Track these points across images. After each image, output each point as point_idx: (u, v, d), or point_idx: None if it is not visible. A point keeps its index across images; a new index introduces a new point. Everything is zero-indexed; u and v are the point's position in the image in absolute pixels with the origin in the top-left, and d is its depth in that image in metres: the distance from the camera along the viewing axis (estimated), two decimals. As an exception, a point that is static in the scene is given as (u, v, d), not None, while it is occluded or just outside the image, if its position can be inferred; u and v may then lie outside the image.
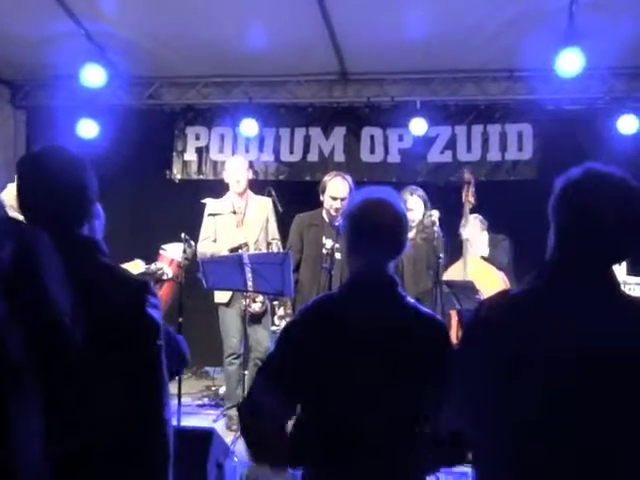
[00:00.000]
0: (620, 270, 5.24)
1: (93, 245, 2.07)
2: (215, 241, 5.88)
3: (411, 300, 2.26)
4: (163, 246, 6.02)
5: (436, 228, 5.35)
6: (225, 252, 5.65)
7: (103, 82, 6.57)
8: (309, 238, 5.55)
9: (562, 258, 1.82)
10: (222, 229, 5.89)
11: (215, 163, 7.61)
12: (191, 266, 5.66)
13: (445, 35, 6.14)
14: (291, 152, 7.51)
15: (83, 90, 6.76)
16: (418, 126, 6.90)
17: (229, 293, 5.74)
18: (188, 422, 5.40)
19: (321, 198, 5.50)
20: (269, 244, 5.91)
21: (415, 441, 2.14)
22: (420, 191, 5.64)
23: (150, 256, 5.96)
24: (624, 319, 1.74)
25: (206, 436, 3.83)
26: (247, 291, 5.24)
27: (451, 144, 7.23)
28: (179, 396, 5.28)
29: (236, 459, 4.21)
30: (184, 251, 5.51)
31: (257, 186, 6.36)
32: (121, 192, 7.24)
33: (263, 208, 5.98)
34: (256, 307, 5.74)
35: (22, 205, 2.05)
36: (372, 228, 2.20)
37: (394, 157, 7.36)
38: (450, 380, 2.03)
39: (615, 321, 1.73)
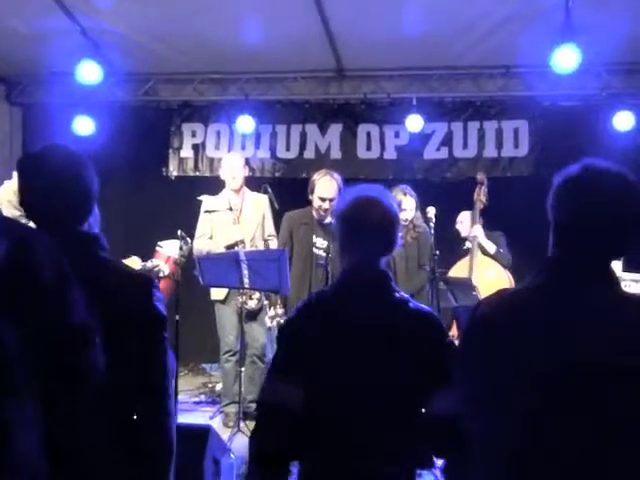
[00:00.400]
0: (616, 267, 5.24)
1: (96, 241, 2.11)
2: (211, 238, 5.88)
3: (405, 295, 2.28)
4: (159, 243, 6.01)
5: (431, 224, 5.36)
6: (221, 249, 5.64)
7: (99, 79, 6.54)
8: (299, 236, 5.55)
9: (561, 255, 1.82)
10: (218, 226, 5.89)
11: (211, 160, 7.59)
12: (187, 263, 5.65)
13: (441, 31, 6.13)
14: (287, 149, 7.51)
15: (79, 87, 6.73)
16: (414, 123, 6.90)
17: (225, 290, 5.74)
18: (185, 419, 5.40)
19: (310, 197, 5.49)
20: (265, 241, 5.92)
21: (412, 435, 2.15)
22: (411, 190, 5.67)
23: (146, 253, 5.95)
24: (624, 317, 1.73)
25: (203, 433, 3.83)
26: (243, 288, 5.24)
27: (447, 141, 7.23)
28: (176, 393, 5.27)
29: (233, 456, 4.21)
30: (180, 248, 5.51)
31: (253, 183, 6.35)
32: (117, 189, 7.23)
33: (259, 205, 5.98)
34: (252, 304, 5.74)
35: (23, 202, 2.08)
36: (364, 226, 2.22)
37: (390, 154, 7.36)
38: (450, 380, 2.06)
39: (615, 319, 1.72)
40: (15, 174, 5.62)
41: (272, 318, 5.48)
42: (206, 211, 5.95)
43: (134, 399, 2.06)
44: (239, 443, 4.81)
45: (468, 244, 6.40)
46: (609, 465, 1.67)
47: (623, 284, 5.61)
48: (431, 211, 5.48)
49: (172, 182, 7.65)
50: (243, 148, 7.49)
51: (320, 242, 5.42)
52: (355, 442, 2.13)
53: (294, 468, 2.28)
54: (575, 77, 6.29)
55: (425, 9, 5.99)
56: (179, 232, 5.55)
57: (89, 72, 6.47)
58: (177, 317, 5.22)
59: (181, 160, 7.68)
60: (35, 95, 7.58)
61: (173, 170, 7.66)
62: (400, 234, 5.71)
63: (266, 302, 5.68)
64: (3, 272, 1.56)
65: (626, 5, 5.63)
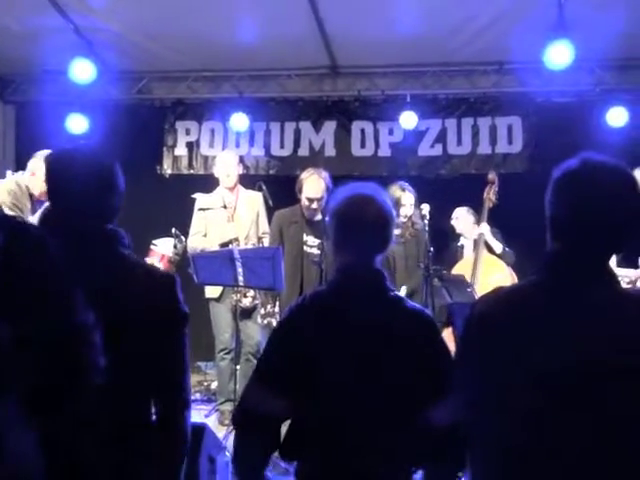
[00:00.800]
0: (611, 263, 5.24)
1: (120, 239, 2.18)
2: (205, 236, 5.87)
3: (398, 294, 2.28)
4: (154, 241, 6.00)
5: (426, 221, 5.37)
6: (216, 247, 5.64)
7: (92, 77, 6.54)
8: (289, 235, 5.52)
9: (559, 250, 1.80)
10: (212, 224, 5.88)
11: (205, 158, 7.59)
12: (182, 261, 5.65)
13: (435, 28, 6.14)
14: (281, 146, 7.51)
15: (72, 85, 6.72)
16: (408, 120, 6.91)
17: (220, 288, 5.73)
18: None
19: (298, 196, 5.48)
20: (260, 239, 5.91)
21: (408, 434, 2.15)
22: (410, 187, 5.66)
23: (141, 251, 5.93)
24: (624, 314, 1.72)
25: (198, 431, 3.82)
26: (238, 286, 5.23)
27: (441, 137, 7.24)
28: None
29: (228, 454, 4.21)
30: (175, 246, 5.50)
31: (247, 181, 6.34)
32: (111, 187, 7.21)
33: (254, 203, 5.97)
34: (247, 302, 5.74)
35: (51, 198, 2.14)
36: (358, 224, 2.21)
37: (385, 151, 7.36)
38: (446, 376, 2.07)
39: (615, 316, 1.71)
40: (9, 173, 5.59)
41: (264, 317, 5.48)
42: (200, 209, 5.94)
43: (156, 395, 2.13)
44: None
45: (463, 241, 6.40)
46: (610, 463, 1.66)
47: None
48: (425, 208, 5.48)
49: (166, 180, 7.64)
50: (237, 146, 7.48)
51: (311, 240, 5.41)
52: (351, 442, 2.13)
53: (290, 468, 2.29)
54: (568, 73, 6.31)
55: (419, 6, 5.99)
56: (173, 230, 5.54)
57: (82, 70, 6.46)
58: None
59: (175, 158, 7.67)
60: (28, 93, 7.56)
61: (167, 168, 7.65)
62: (399, 231, 5.68)
63: (257, 301, 5.68)
64: None
65: (619, 1, 5.65)
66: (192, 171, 7.62)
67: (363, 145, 7.39)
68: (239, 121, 7.11)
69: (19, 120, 7.76)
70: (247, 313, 5.79)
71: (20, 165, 5.25)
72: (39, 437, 1.64)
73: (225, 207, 5.87)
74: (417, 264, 5.55)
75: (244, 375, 5.76)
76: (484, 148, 7.17)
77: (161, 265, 5.79)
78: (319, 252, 5.22)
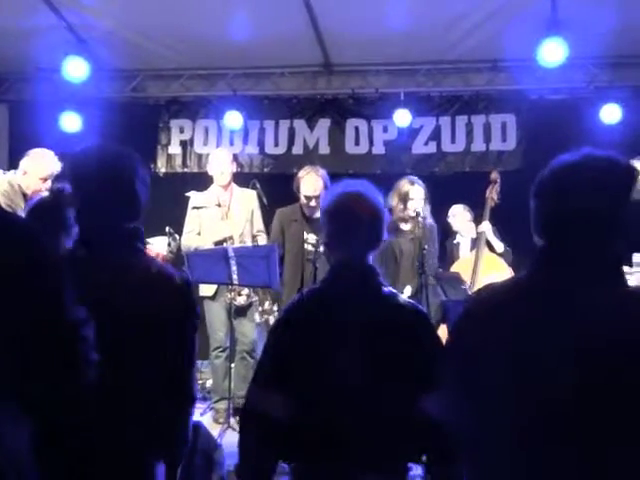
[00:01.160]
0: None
1: (140, 238, 2.25)
2: (199, 234, 5.86)
3: (393, 290, 2.29)
4: (147, 240, 5.97)
5: (420, 219, 5.35)
6: (210, 245, 5.63)
7: (86, 75, 6.51)
8: (290, 233, 5.55)
9: (546, 246, 1.79)
10: (207, 222, 5.87)
11: (199, 156, 7.58)
12: (176, 260, 5.63)
13: (428, 26, 6.14)
14: (276, 144, 7.50)
15: (66, 83, 6.70)
16: (402, 117, 6.91)
17: (214, 286, 5.73)
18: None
19: (297, 194, 5.50)
20: (254, 237, 5.90)
21: (404, 431, 2.15)
22: (420, 181, 5.61)
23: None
24: (612, 311, 1.68)
25: (193, 429, 3.82)
26: (232, 284, 5.23)
27: (435, 135, 7.24)
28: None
29: (223, 451, 4.20)
30: (169, 245, 5.49)
31: (242, 179, 6.33)
32: (105, 186, 7.19)
33: (248, 201, 5.96)
34: (241, 300, 5.73)
35: (75, 196, 2.18)
36: (350, 221, 2.24)
37: (379, 149, 7.36)
38: (439, 372, 2.06)
39: (603, 313, 1.67)
40: (0, 172, 5.53)
41: (263, 313, 5.48)
42: (194, 207, 5.93)
43: (167, 392, 2.17)
44: (230, 439, 4.79)
45: (459, 238, 6.41)
46: (601, 462, 1.63)
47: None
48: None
49: (160, 178, 7.61)
50: (231, 144, 7.47)
51: (312, 238, 5.41)
52: (347, 440, 2.14)
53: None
54: (562, 71, 6.31)
55: (412, 4, 6.00)
56: (167, 229, 5.53)
57: (76, 68, 6.44)
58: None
59: (169, 156, 7.66)
60: (21, 92, 7.54)
61: (161, 166, 7.63)
62: (409, 227, 5.61)
63: (255, 299, 5.68)
64: None
65: (612, -2, 5.66)
66: (186, 169, 7.61)
67: (357, 143, 7.39)
68: (233, 119, 7.10)
69: (12, 119, 7.73)
70: (242, 311, 5.78)
71: (13, 164, 5.23)
72: (39, 432, 1.63)
73: (219, 205, 5.86)
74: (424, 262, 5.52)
75: (239, 373, 5.77)
76: (478, 146, 7.18)
77: (155, 264, 5.78)
78: (314, 250, 5.22)
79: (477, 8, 5.87)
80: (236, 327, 5.76)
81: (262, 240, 5.87)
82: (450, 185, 6.74)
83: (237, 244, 5.61)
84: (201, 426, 3.89)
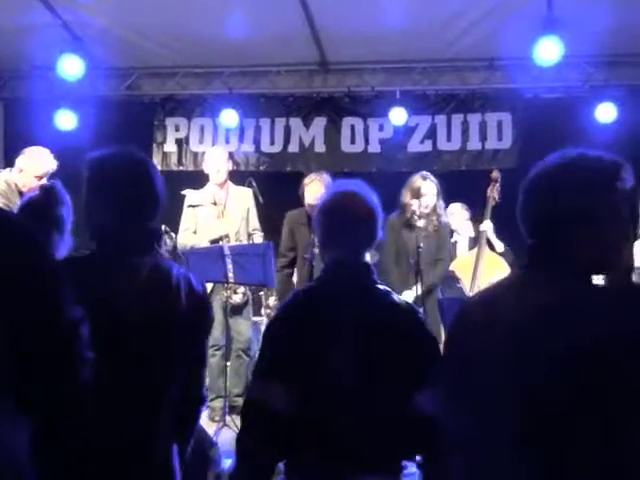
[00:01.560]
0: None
1: (159, 239, 2.29)
2: (195, 232, 5.85)
3: (387, 288, 2.30)
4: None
5: (416, 217, 5.33)
6: (206, 244, 5.63)
7: (81, 73, 6.50)
8: (300, 236, 5.61)
9: (534, 245, 1.79)
10: (202, 220, 5.86)
11: (195, 154, 7.57)
12: (171, 258, 5.63)
13: (425, 24, 6.14)
14: (272, 143, 7.50)
15: (61, 81, 6.69)
16: (398, 116, 6.92)
17: (210, 285, 5.72)
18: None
19: (302, 199, 5.60)
20: (250, 235, 5.90)
21: (398, 429, 2.16)
22: (432, 177, 5.57)
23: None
24: (596, 312, 1.64)
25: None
26: (228, 282, 5.23)
27: (431, 134, 7.25)
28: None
29: (219, 450, 4.21)
30: (164, 243, 5.48)
31: (237, 177, 6.33)
32: (100, 184, 7.18)
33: (244, 199, 5.96)
34: (237, 298, 5.73)
35: (101, 199, 2.19)
36: (344, 219, 2.25)
37: (374, 147, 7.37)
38: (433, 370, 2.09)
39: (586, 315, 1.64)
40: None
41: (266, 308, 5.51)
42: (190, 205, 5.92)
43: (183, 389, 2.22)
44: (225, 437, 4.80)
45: (456, 237, 6.41)
46: (584, 459, 1.62)
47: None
48: (415, 204, 5.47)
49: (156, 176, 7.61)
50: (227, 142, 7.47)
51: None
52: (341, 438, 2.14)
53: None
54: (558, 69, 6.33)
55: (409, 2, 6.01)
56: (163, 227, 5.51)
57: (71, 66, 6.42)
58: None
59: (165, 154, 7.65)
60: (17, 90, 7.52)
61: (157, 164, 7.57)
62: (423, 223, 5.53)
63: (262, 292, 5.69)
64: None
65: (608, -3, 5.67)
66: (182, 167, 7.61)
67: (353, 141, 7.40)
68: (229, 117, 7.10)
69: (7, 116, 7.72)
70: (237, 309, 5.78)
71: (8, 162, 5.22)
72: (37, 432, 1.63)
73: (215, 203, 5.86)
74: (435, 261, 5.49)
75: (234, 371, 5.77)
76: (474, 144, 7.19)
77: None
78: (310, 249, 5.23)
79: (473, 7, 5.88)
80: (232, 325, 5.76)
81: (258, 238, 5.87)
82: (446, 183, 6.71)
83: (233, 242, 5.61)
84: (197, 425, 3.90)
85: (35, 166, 5.04)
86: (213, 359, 5.85)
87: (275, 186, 6.77)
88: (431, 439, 2.16)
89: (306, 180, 5.64)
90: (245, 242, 5.77)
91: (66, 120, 7.10)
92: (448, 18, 6.04)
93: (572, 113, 6.74)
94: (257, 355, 2.41)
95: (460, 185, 6.25)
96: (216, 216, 5.84)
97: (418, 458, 2.24)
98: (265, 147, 7.51)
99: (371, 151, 7.38)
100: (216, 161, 5.97)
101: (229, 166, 6.07)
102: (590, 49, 6.40)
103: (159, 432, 2.15)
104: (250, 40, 6.50)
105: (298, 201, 5.83)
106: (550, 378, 1.63)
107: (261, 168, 7.50)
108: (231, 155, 6.56)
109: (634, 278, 1.82)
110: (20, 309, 1.52)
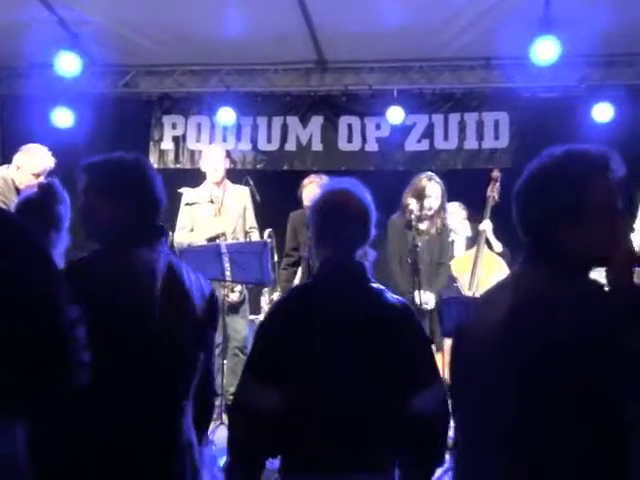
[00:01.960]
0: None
1: (167, 237, 2.39)
2: (192, 230, 5.85)
3: (380, 287, 2.30)
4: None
5: (413, 216, 5.28)
6: (202, 242, 5.63)
7: (78, 70, 6.49)
8: (303, 237, 5.63)
9: (529, 245, 1.79)
10: (199, 218, 5.87)
11: (192, 152, 7.56)
12: (169, 256, 5.63)
13: (422, 23, 6.14)
14: (269, 141, 7.49)
15: (58, 78, 6.68)
16: (395, 115, 6.92)
17: (207, 283, 5.72)
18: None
19: (302, 201, 5.64)
20: (247, 233, 5.91)
21: (393, 427, 2.16)
22: (437, 177, 5.52)
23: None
24: (588, 313, 1.62)
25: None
26: (225, 281, 5.23)
27: (428, 133, 7.25)
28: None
29: (215, 448, 4.21)
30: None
31: (234, 175, 6.34)
32: (97, 182, 7.16)
33: (241, 197, 5.96)
34: (234, 297, 5.74)
35: (107, 201, 2.25)
36: (336, 218, 2.25)
37: (372, 146, 7.37)
38: (429, 368, 2.18)
39: (578, 315, 1.61)
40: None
41: (270, 303, 5.54)
42: (187, 204, 5.92)
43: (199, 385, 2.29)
44: (221, 435, 4.80)
45: (453, 236, 6.41)
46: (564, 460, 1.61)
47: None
48: (412, 203, 5.47)
49: (153, 174, 7.60)
50: (224, 140, 7.46)
51: None
52: (335, 437, 2.14)
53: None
54: (555, 69, 6.34)
55: (406, 1, 6.00)
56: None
57: (68, 64, 6.42)
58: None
59: (162, 152, 7.64)
60: (13, 87, 7.49)
61: (154, 162, 7.57)
62: (425, 226, 5.45)
63: (266, 289, 5.71)
64: None
65: (605, -3, 5.67)
66: (179, 165, 7.59)
67: (350, 140, 7.39)
68: (226, 115, 7.09)
69: (4, 114, 7.69)
70: (234, 308, 5.79)
71: (6, 159, 5.21)
72: (33, 435, 1.62)
73: (212, 202, 5.87)
74: (438, 265, 5.47)
75: (231, 370, 5.77)
76: (471, 143, 7.19)
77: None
78: (307, 247, 5.24)
79: (470, 6, 5.87)
80: (228, 324, 5.76)
81: (255, 236, 5.87)
82: (443, 182, 6.73)
83: (230, 240, 5.61)
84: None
85: (32, 163, 5.04)
86: (210, 357, 5.86)
87: (272, 184, 6.77)
88: (426, 437, 2.18)
89: (305, 181, 5.67)
90: (242, 240, 5.77)
91: (63, 118, 7.09)
92: (446, 17, 6.04)
93: (569, 113, 6.75)
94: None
95: (457, 184, 6.24)
96: (213, 214, 5.84)
97: (413, 457, 2.24)
98: (262, 145, 7.50)
99: (368, 150, 7.37)
100: (213, 159, 5.98)
101: (226, 164, 6.08)
102: (587, 49, 6.41)
103: (185, 424, 2.22)
104: (247, 38, 6.49)
105: (295, 200, 5.85)
106: (532, 370, 1.61)
107: (258, 166, 7.49)
108: (228, 153, 6.57)
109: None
110: (15, 310, 1.50)
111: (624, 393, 1.56)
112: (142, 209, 2.26)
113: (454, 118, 7.22)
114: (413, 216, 5.28)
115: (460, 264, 5.91)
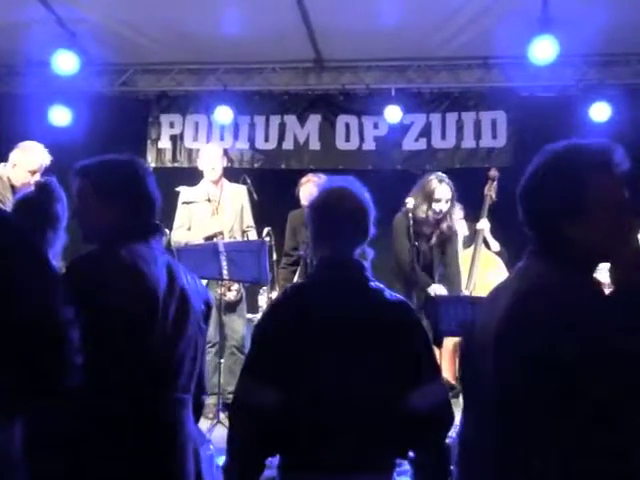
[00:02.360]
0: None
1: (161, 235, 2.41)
2: (189, 229, 5.85)
3: (380, 284, 2.29)
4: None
5: (411, 215, 5.15)
6: (200, 241, 5.62)
7: (75, 69, 6.49)
8: (302, 237, 5.63)
9: (532, 245, 1.79)
10: (196, 217, 5.86)
11: (190, 151, 7.55)
12: (166, 254, 5.62)
13: (419, 22, 6.14)
14: (266, 140, 7.49)
15: (55, 77, 6.67)
16: (393, 114, 6.92)
17: (204, 281, 5.71)
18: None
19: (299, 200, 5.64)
20: (244, 232, 5.90)
21: (393, 427, 2.16)
22: (447, 179, 5.26)
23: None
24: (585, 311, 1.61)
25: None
26: (222, 279, 5.23)
27: (426, 132, 7.25)
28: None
29: (212, 447, 4.21)
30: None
31: (232, 174, 6.33)
32: (94, 180, 7.16)
33: (238, 196, 5.96)
34: (231, 296, 5.73)
35: (105, 202, 2.27)
36: (334, 216, 2.25)
37: (369, 145, 7.36)
38: (428, 366, 2.18)
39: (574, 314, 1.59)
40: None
41: (269, 301, 5.55)
42: (184, 202, 5.92)
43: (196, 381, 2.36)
44: (218, 434, 4.80)
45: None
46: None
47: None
48: (410, 202, 5.45)
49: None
50: (222, 139, 7.45)
51: None
52: (334, 436, 2.14)
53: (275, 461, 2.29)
54: (552, 68, 6.34)
55: (403, 0, 5.99)
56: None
57: (65, 62, 6.41)
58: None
59: (159, 151, 7.62)
60: (11, 85, 7.48)
61: (151, 161, 7.59)
62: (429, 231, 5.32)
63: (265, 287, 5.71)
64: None
65: (603, -4, 5.68)
66: (176, 164, 7.58)
67: (348, 139, 7.39)
68: (223, 114, 7.09)
69: (1, 112, 7.66)
70: (231, 307, 5.78)
71: (2, 157, 5.20)
72: (29, 436, 1.62)
73: (209, 200, 5.86)
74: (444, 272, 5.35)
75: (228, 369, 5.77)
76: (468, 142, 7.19)
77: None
78: (305, 246, 5.24)
79: (468, 5, 5.87)
80: (226, 322, 5.76)
81: (252, 235, 5.87)
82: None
83: (227, 239, 5.61)
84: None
85: (28, 161, 5.03)
86: (207, 356, 5.84)
87: (269, 183, 6.77)
88: (425, 436, 2.17)
89: (302, 180, 5.68)
90: (239, 239, 5.77)
91: (60, 116, 7.08)
92: (443, 16, 6.04)
93: (566, 112, 6.75)
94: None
95: (454, 183, 6.24)
96: (210, 213, 5.84)
97: (411, 455, 2.24)
98: (260, 144, 7.50)
99: (366, 149, 7.37)
100: (211, 158, 5.97)
101: (223, 163, 6.07)
102: (585, 48, 6.41)
103: (188, 417, 2.29)
104: (245, 37, 6.49)
105: (293, 198, 5.85)
106: (532, 362, 1.60)
107: (255, 165, 7.49)
108: (226, 152, 6.56)
109: None
110: (9, 308, 1.49)
111: (624, 393, 1.56)
112: (137, 209, 2.27)
113: (452, 117, 7.22)
114: (419, 219, 5.11)
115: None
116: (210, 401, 5.70)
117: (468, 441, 1.84)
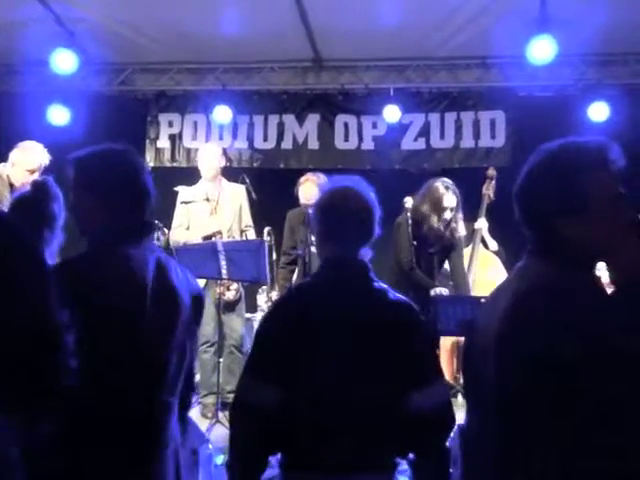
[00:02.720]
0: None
1: (153, 233, 2.42)
2: (188, 229, 5.85)
3: (382, 285, 2.29)
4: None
5: (409, 214, 5.10)
6: (198, 240, 5.62)
7: (74, 68, 6.48)
8: (300, 236, 5.64)
9: (529, 244, 1.79)
10: (195, 217, 5.86)
11: (188, 150, 7.55)
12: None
13: (418, 22, 6.15)
14: (265, 139, 7.49)
15: (54, 76, 6.67)
16: (391, 113, 6.92)
17: (203, 281, 5.70)
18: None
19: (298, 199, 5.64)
20: (243, 232, 5.90)
21: (394, 427, 2.16)
22: (453, 185, 5.12)
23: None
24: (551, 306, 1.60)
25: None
26: (221, 279, 5.23)
27: (424, 131, 7.25)
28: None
29: (211, 446, 4.20)
30: (157, 239, 5.47)
31: (231, 173, 6.33)
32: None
33: (237, 195, 5.96)
34: (230, 295, 5.73)
35: (92, 197, 2.23)
36: (339, 216, 2.25)
37: (368, 144, 7.37)
38: (431, 367, 2.19)
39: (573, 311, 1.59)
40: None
41: (267, 302, 5.54)
42: (183, 202, 5.92)
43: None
44: (217, 433, 4.81)
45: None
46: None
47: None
48: (409, 201, 5.44)
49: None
50: (220, 138, 7.45)
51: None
52: (335, 436, 2.14)
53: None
54: (551, 68, 6.35)
55: (402, 0, 5.99)
56: (155, 223, 5.51)
57: (64, 61, 6.41)
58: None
59: (158, 150, 7.62)
60: (9, 84, 7.47)
61: (150, 161, 7.58)
62: (432, 239, 5.25)
63: (265, 287, 5.72)
64: None
65: (601, -4, 5.68)
66: (175, 164, 7.58)
67: (346, 138, 7.39)
68: (222, 113, 7.09)
69: (0, 111, 7.68)
70: (230, 306, 5.78)
71: (1, 156, 5.20)
72: (26, 438, 1.62)
73: (208, 200, 5.86)
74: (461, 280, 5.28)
75: (227, 368, 5.77)
76: (467, 142, 7.19)
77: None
78: (303, 245, 5.24)
79: (467, 5, 5.87)
80: (225, 322, 5.76)
81: (251, 235, 5.87)
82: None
83: (226, 239, 5.61)
84: (189, 421, 3.89)
85: (27, 160, 5.03)
86: (206, 355, 5.85)
87: (268, 183, 6.77)
88: (427, 437, 2.17)
89: (301, 179, 5.68)
90: (238, 238, 5.77)
91: (59, 115, 7.08)
92: (442, 16, 6.04)
93: (565, 111, 6.75)
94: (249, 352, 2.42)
95: (453, 183, 6.24)
96: (209, 212, 5.84)
97: (411, 456, 2.24)
98: (258, 143, 7.50)
99: (364, 148, 7.37)
100: (210, 158, 5.97)
101: (222, 162, 6.07)
102: (583, 48, 6.42)
103: (172, 421, 2.25)
104: (244, 36, 6.49)
105: (291, 198, 5.85)
106: (532, 359, 1.60)
107: (254, 164, 7.49)
108: (224, 151, 6.56)
109: None
110: (4, 310, 1.48)
111: (624, 392, 1.56)
112: (131, 204, 2.23)
113: (450, 117, 7.22)
114: (430, 228, 5.01)
115: None
116: (209, 400, 5.72)
117: (469, 441, 1.84)
